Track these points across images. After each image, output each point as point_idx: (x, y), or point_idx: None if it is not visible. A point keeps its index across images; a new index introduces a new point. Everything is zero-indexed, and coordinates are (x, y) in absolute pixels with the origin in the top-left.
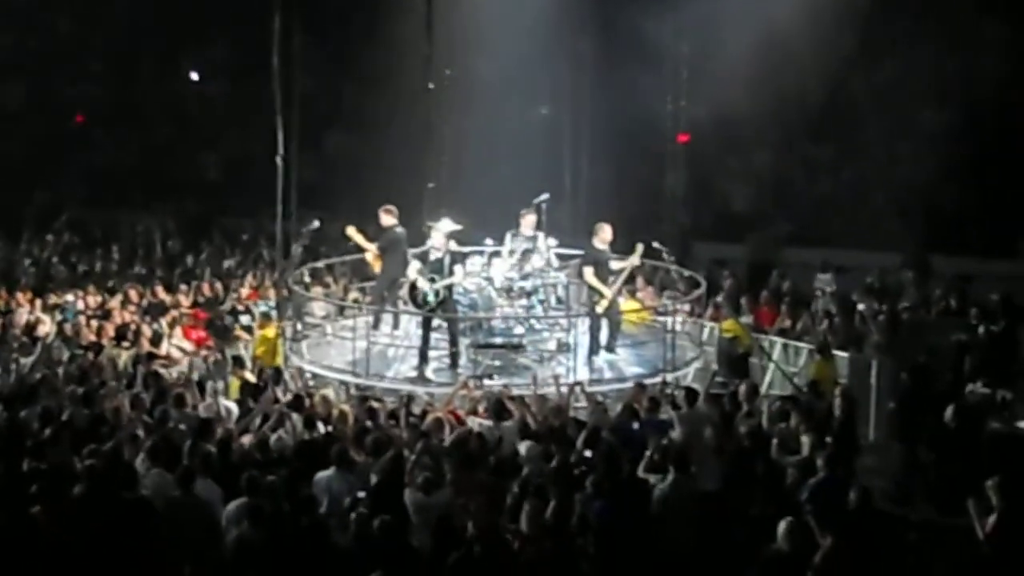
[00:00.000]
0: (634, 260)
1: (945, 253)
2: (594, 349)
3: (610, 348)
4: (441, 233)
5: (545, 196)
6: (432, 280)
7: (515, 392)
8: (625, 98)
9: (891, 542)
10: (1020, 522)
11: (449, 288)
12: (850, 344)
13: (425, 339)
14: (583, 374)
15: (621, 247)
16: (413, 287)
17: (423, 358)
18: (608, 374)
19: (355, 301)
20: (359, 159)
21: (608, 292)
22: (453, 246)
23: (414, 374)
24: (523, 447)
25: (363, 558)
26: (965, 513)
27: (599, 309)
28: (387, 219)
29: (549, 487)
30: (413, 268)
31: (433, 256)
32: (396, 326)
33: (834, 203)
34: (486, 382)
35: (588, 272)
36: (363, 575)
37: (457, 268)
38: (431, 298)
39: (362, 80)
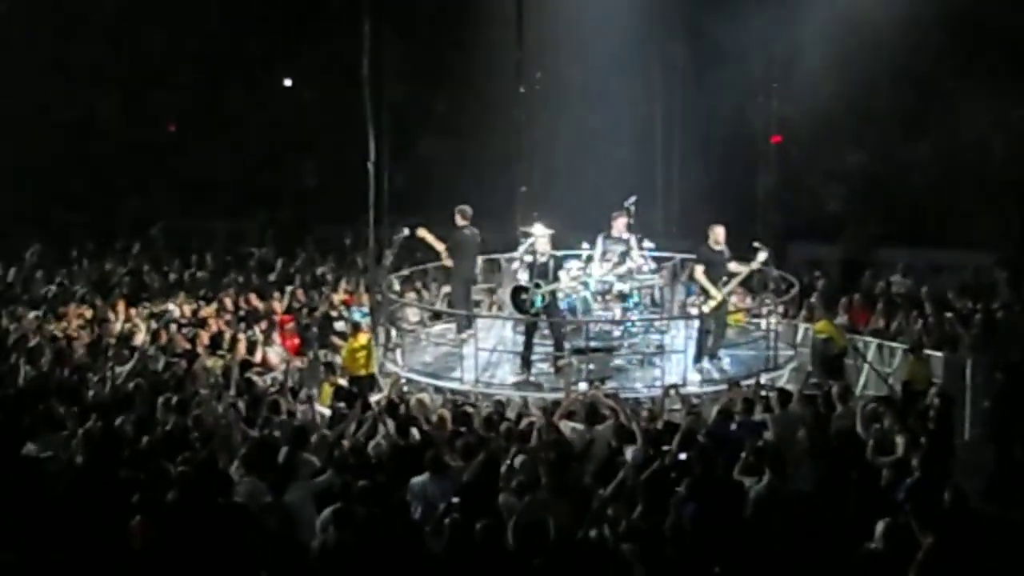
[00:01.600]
0: (754, 265)
1: None
2: (701, 353)
3: (713, 354)
4: (546, 238)
5: (634, 198)
6: (538, 285)
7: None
8: (716, 99)
9: (986, 541)
10: None
11: (553, 293)
12: (945, 344)
13: (528, 344)
14: (691, 377)
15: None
16: (518, 292)
17: (526, 364)
18: (707, 376)
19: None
20: (451, 164)
21: (717, 293)
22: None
23: (517, 379)
24: (629, 452)
25: (456, 563)
26: None
27: (706, 309)
28: (459, 220)
29: (638, 490)
30: (519, 274)
31: (539, 261)
32: (469, 327)
33: (928, 202)
34: (582, 386)
35: (699, 271)
36: None
37: (562, 273)
38: (539, 303)
39: (453, 86)
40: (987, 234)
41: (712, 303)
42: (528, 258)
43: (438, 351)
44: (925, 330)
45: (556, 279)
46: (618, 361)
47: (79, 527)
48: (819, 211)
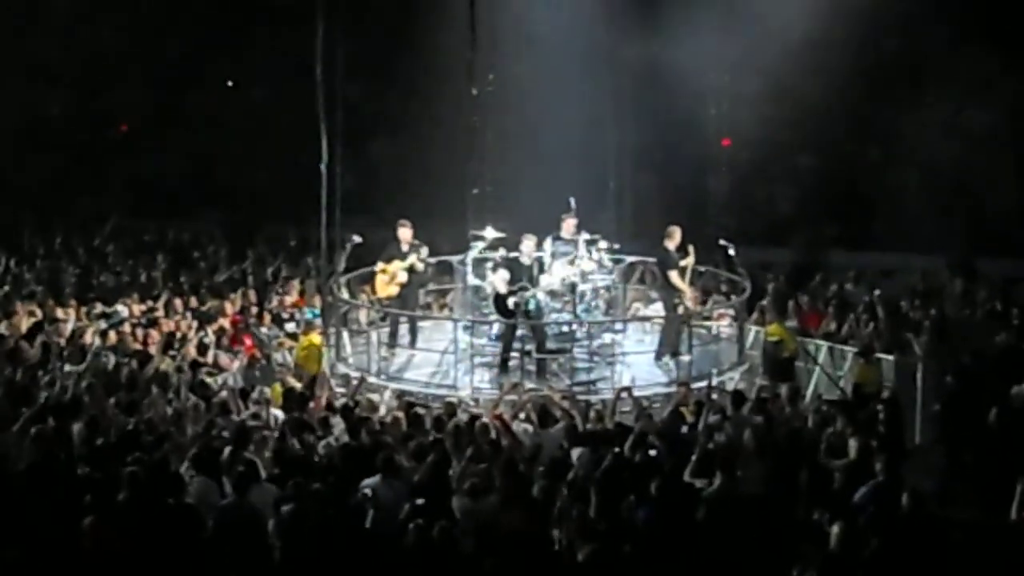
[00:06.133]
0: (690, 259)
1: (991, 255)
2: (662, 352)
3: (675, 351)
4: (531, 241)
5: (572, 200)
6: (524, 289)
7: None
8: (668, 102)
9: (937, 543)
10: None
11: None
12: (895, 347)
13: (507, 347)
14: (646, 378)
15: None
16: (500, 296)
17: (505, 365)
18: (659, 378)
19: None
20: (403, 165)
21: (687, 290)
22: (503, 252)
23: (504, 382)
24: (576, 453)
25: (410, 565)
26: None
27: (681, 309)
28: (410, 232)
29: (590, 492)
30: (500, 277)
31: (524, 263)
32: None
33: (879, 206)
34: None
35: (674, 275)
36: None
37: (544, 276)
38: (531, 306)
39: (406, 87)
40: (938, 237)
41: (684, 302)
42: (496, 261)
43: (401, 356)
44: (876, 333)
45: (539, 283)
46: (577, 363)
47: (32, 527)
48: (770, 214)
